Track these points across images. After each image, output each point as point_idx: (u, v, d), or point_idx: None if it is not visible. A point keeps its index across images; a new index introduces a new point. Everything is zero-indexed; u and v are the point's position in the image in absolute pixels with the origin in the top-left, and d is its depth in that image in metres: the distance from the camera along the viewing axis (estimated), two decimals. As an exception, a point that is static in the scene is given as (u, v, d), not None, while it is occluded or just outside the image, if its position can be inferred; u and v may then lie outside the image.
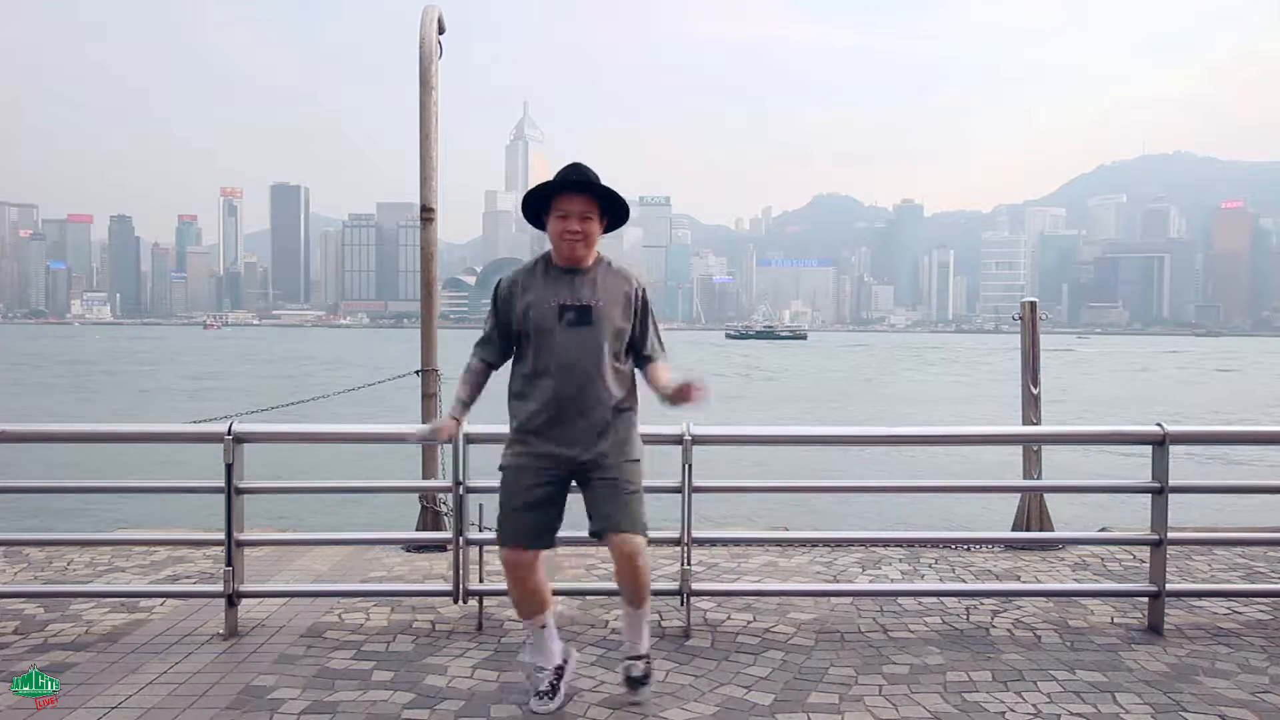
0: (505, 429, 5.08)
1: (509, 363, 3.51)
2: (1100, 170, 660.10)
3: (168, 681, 3.64)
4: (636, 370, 3.50)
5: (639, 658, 3.52)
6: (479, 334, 3.54)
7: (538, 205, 3.41)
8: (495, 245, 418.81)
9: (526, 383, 3.39)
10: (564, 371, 3.31)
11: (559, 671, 3.48)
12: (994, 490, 6.05)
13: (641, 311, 3.46)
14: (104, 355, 70.50)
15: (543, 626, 3.49)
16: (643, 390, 3.50)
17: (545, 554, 3.45)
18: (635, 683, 3.50)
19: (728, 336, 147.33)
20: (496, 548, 5.32)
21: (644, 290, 3.49)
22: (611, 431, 3.37)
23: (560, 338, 3.31)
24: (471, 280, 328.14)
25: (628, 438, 3.43)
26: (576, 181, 3.33)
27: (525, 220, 3.52)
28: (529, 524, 3.37)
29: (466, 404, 3.51)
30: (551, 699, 3.41)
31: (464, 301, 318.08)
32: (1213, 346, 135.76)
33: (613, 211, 3.42)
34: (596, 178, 3.36)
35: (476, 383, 3.53)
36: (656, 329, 3.52)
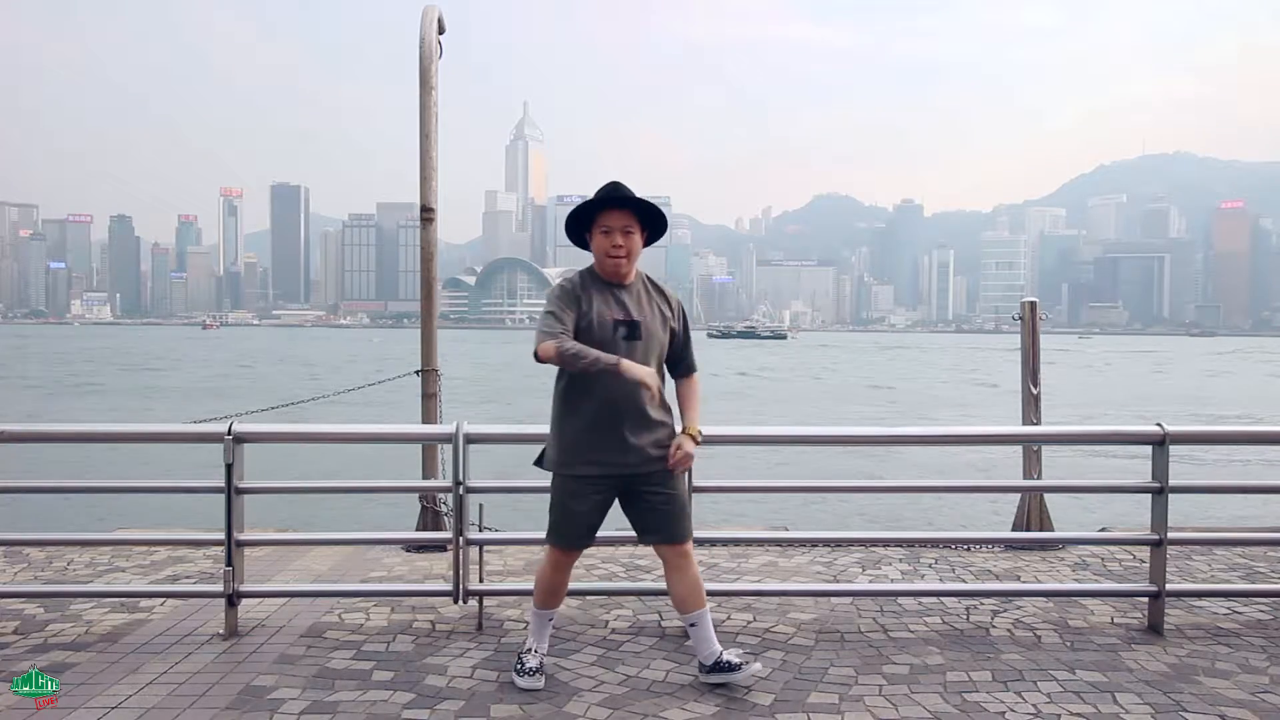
0: (504, 429, 5.10)
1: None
2: (1100, 170, 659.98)
3: (168, 681, 3.64)
4: (670, 379, 3.68)
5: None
6: (551, 327, 3.37)
7: (581, 224, 3.54)
8: (495, 245, 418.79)
9: (581, 395, 3.48)
10: (617, 384, 3.40)
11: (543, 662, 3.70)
12: (994, 490, 6.06)
13: (684, 325, 3.67)
14: (82, 356, 70.40)
15: (550, 618, 3.75)
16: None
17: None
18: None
19: (709, 336, 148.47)
20: (499, 548, 5.37)
21: (680, 305, 3.68)
22: (659, 446, 3.53)
23: (619, 350, 3.42)
24: (471, 280, 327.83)
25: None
26: (616, 197, 3.47)
27: (569, 240, 3.59)
28: (581, 529, 3.58)
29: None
30: (534, 676, 3.59)
31: (464, 301, 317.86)
32: (1189, 347, 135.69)
33: (652, 224, 3.57)
34: (633, 195, 3.48)
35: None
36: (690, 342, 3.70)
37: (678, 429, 3.61)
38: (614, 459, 3.48)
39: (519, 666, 3.64)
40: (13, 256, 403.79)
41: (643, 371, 3.33)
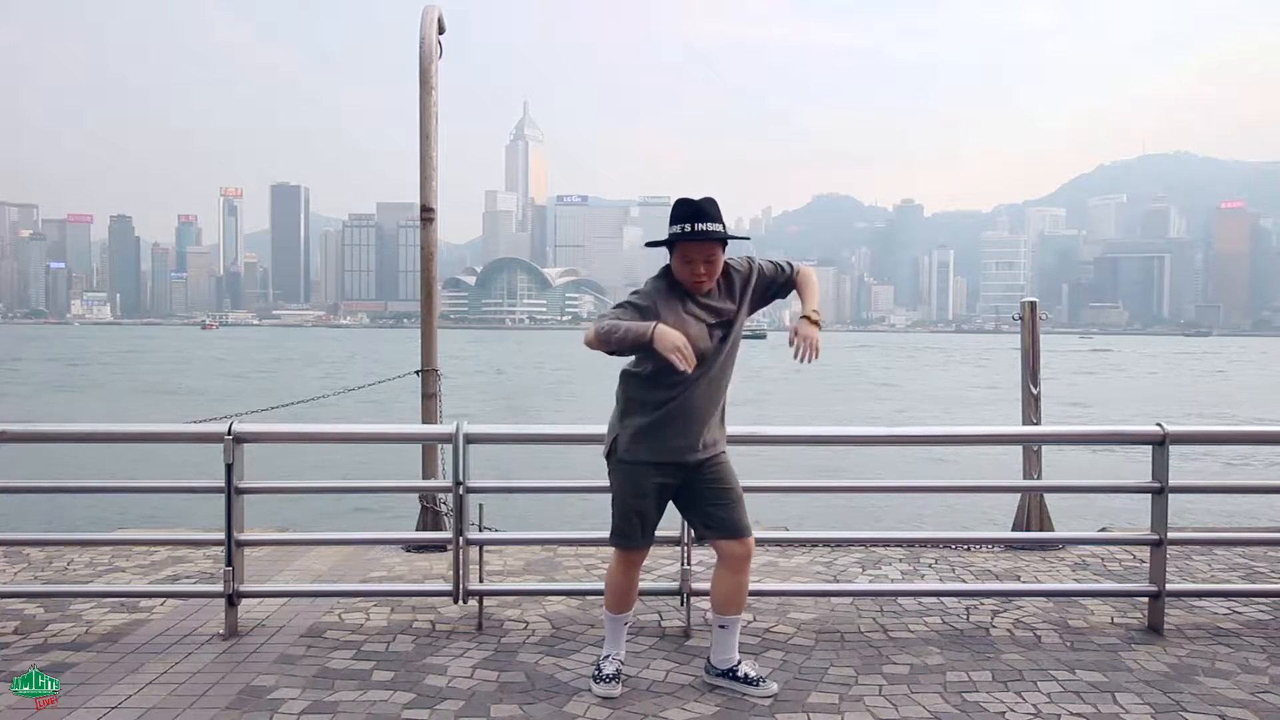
0: (504, 429, 5.10)
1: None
2: (1100, 170, 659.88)
3: (168, 681, 3.64)
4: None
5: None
6: (602, 318, 3.34)
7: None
8: (495, 245, 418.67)
9: (648, 390, 3.45)
10: (704, 379, 3.42)
11: (621, 667, 3.66)
12: (994, 490, 6.04)
13: (762, 267, 3.54)
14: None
15: (625, 622, 3.71)
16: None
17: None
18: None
19: None
20: (499, 548, 5.37)
21: (749, 263, 3.56)
22: (719, 434, 3.57)
23: (713, 352, 3.42)
24: (471, 280, 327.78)
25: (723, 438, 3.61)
26: (698, 234, 3.33)
27: (651, 247, 3.53)
28: (641, 526, 3.55)
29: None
30: (618, 684, 3.56)
31: (464, 301, 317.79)
32: (1158, 347, 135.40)
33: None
34: (719, 212, 3.37)
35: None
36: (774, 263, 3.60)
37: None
38: (676, 446, 3.44)
39: (596, 673, 3.61)
40: (13, 256, 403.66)
41: (674, 341, 3.17)
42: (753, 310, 3.54)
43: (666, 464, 3.47)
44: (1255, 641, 4.18)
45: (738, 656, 3.63)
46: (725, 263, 3.49)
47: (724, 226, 3.38)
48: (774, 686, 3.57)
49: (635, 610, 4.41)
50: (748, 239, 3.69)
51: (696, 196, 3.40)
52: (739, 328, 3.53)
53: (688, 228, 3.32)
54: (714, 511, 3.52)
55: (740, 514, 3.54)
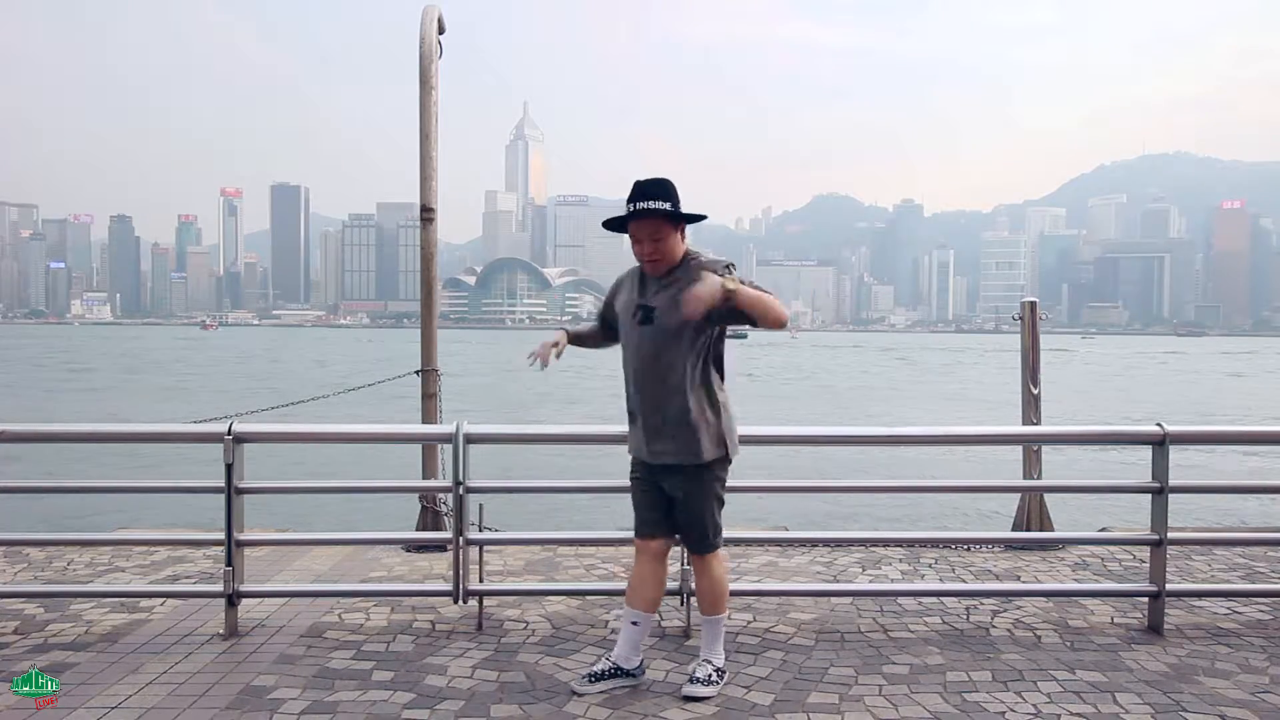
0: (504, 429, 5.11)
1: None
2: (1100, 170, 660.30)
3: (168, 681, 3.64)
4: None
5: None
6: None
7: (620, 225, 3.51)
8: (495, 245, 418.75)
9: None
10: (639, 370, 3.52)
11: (617, 671, 3.61)
12: (994, 490, 6.05)
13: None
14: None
15: (632, 620, 3.65)
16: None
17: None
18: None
19: None
20: (499, 548, 5.37)
21: (722, 274, 3.36)
22: (679, 446, 3.49)
23: (633, 335, 3.53)
24: (471, 280, 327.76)
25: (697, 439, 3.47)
26: (637, 213, 3.41)
27: (607, 230, 3.62)
28: (639, 515, 3.65)
29: (578, 332, 3.85)
30: (591, 683, 3.56)
31: (464, 301, 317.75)
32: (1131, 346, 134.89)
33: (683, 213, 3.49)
34: (664, 191, 3.41)
35: (590, 327, 3.85)
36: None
37: (706, 441, 3.45)
38: (634, 443, 3.61)
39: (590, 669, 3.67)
40: (13, 256, 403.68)
41: (541, 344, 3.64)
42: (717, 324, 3.43)
43: (636, 460, 3.64)
44: (1255, 641, 4.18)
45: (714, 658, 3.63)
46: (707, 268, 3.37)
47: (671, 205, 3.40)
48: (706, 691, 3.51)
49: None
50: (703, 217, 3.58)
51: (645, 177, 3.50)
52: (674, 330, 3.38)
53: (631, 208, 3.44)
54: (678, 517, 3.63)
55: (690, 529, 3.61)
